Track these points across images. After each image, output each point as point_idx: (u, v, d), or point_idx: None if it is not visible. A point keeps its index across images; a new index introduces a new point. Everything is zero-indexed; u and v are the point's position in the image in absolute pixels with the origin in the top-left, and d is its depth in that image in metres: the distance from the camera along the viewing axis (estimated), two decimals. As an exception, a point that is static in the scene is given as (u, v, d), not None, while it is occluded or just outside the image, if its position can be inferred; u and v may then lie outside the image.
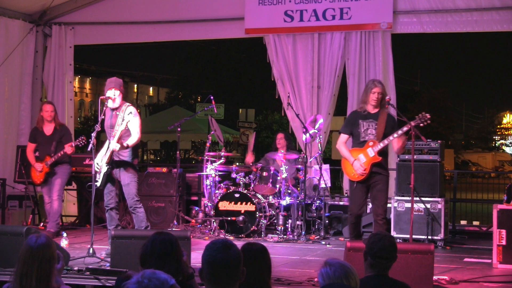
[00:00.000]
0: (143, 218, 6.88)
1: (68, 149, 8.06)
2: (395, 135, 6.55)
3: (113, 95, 6.80)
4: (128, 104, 6.92)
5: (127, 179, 6.85)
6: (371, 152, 6.61)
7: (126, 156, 6.86)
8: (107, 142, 6.92)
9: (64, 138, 8.31)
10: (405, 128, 6.48)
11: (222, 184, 9.01)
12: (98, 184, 6.76)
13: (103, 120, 6.81)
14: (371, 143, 6.63)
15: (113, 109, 6.88)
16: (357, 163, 6.64)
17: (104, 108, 6.85)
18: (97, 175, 6.79)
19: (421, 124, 6.49)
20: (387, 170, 6.86)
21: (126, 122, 6.62)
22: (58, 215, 8.38)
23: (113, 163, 6.80)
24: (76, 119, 36.83)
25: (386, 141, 6.59)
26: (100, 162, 6.81)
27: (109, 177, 6.85)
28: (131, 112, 6.66)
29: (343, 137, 6.89)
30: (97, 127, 6.77)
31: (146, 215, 7.06)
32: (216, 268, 2.80)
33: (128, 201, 6.89)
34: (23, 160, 9.53)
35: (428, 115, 6.50)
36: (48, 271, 3.32)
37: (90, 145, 6.72)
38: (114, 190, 6.90)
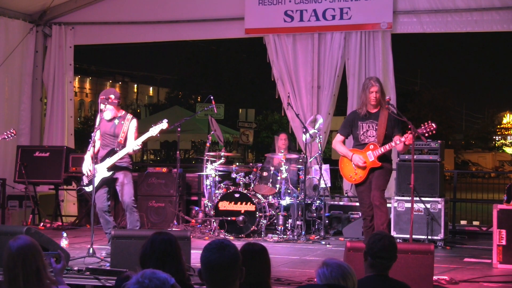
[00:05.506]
0: (138, 218, 7.02)
1: None
2: (398, 142, 6.36)
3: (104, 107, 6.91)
4: (132, 116, 7.10)
5: (126, 179, 6.95)
6: (371, 156, 6.44)
7: (128, 161, 7.02)
8: (101, 148, 6.99)
9: None
10: (407, 142, 6.26)
11: (222, 184, 9.01)
12: (91, 188, 6.78)
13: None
14: (371, 146, 6.44)
15: (113, 117, 6.96)
16: (356, 156, 6.46)
17: (101, 110, 6.90)
18: (90, 179, 6.83)
19: (426, 134, 6.32)
20: (389, 163, 6.67)
21: (132, 132, 6.95)
22: None
23: (115, 167, 6.88)
24: (76, 119, 36.85)
25: (388, 147, 6.41)
26: (97, 167, 6.82)
27: (102, 181, 6.88)
28: (135, 125, 7.02)
29: (339, 137, 6.73)
30: (97, 127, 6.81)
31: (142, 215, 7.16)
32: (212, 269, 2.80)
33: (126, 200, 6.90)
34: (23, 160, 9.55)
35: (434, 125, 6.31)
36: (33, 267, 3.32)
37: (90, 146, 6.74)
38: (107, 193, 6.94)
